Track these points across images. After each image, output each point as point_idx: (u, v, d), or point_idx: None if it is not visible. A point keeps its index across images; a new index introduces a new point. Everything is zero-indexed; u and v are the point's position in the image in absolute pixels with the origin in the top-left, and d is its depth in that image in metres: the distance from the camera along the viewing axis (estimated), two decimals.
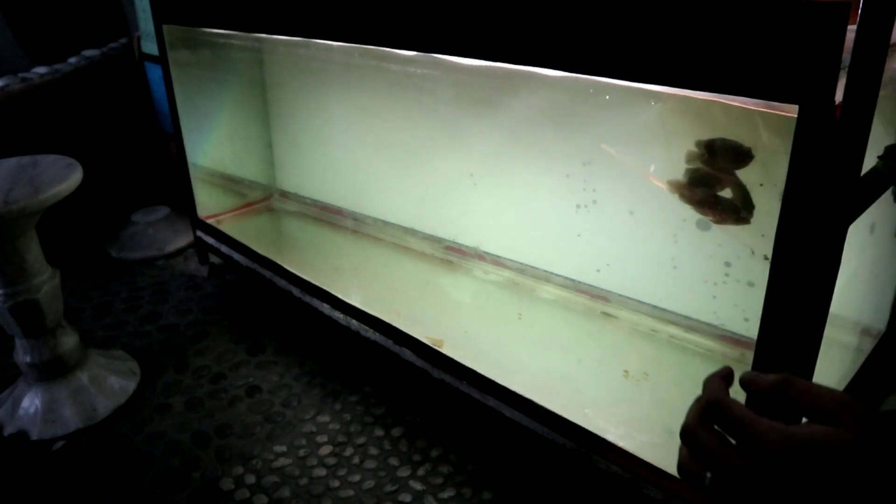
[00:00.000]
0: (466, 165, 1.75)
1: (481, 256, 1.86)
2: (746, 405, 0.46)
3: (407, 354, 1.51)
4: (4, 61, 2.63)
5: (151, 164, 2.75)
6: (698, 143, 1.23)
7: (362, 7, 1.29)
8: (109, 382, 1.70)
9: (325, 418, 1.60)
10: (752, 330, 1.25)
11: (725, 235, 1.36)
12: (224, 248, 2.08)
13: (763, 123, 1.13)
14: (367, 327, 1.61)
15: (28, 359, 1.59)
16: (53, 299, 1.57)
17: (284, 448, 1.52)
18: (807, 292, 0.86)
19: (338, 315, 1.68)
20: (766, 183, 1.20)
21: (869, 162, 0.91)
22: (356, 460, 1.48)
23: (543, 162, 1.60)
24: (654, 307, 1.56)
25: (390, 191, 2.01)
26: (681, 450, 0.47)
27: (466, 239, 1.88)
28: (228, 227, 2.17)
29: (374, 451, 1.50)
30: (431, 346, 1.47)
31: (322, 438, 1.54)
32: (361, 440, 1.53)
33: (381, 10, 1.25)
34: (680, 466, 0.47)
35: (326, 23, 1.39)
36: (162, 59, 2.04)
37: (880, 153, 0.98)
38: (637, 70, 0.93)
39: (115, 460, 1.51)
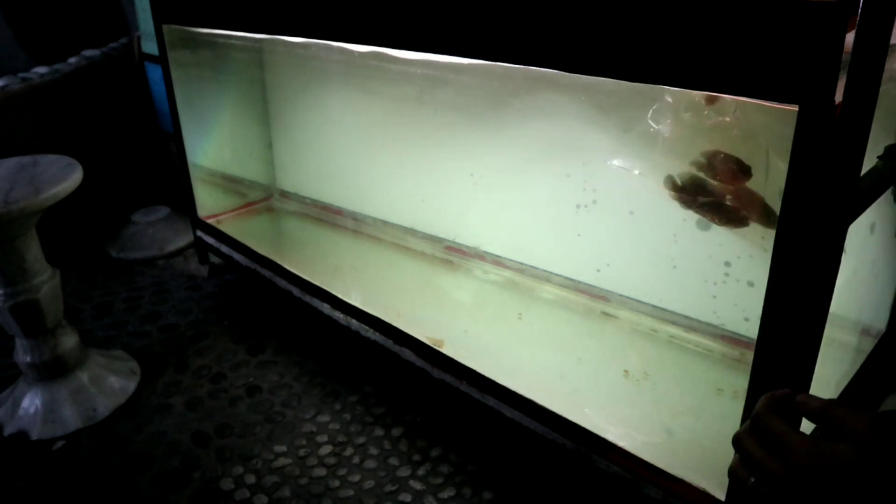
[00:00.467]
0: (466, 165, 1.75)
1: (481, 256, 1.86)
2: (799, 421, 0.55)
3: (407, 354, 1.51)
4: (4, 61, 2.63)
5: (151, 164, 2.75)
6: (704, 155, 1.23)
7: (362, 7, 1.29)
8: (109, 382, 1.70)
9: (325, 418, 1.60)
10: (752, 330, 1.25)
11: (725, 235, 1.36)
12: (224, 248, 2.08)
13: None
14: (367, 327, 1.61)
15: (28, 359, 1.59)
16: (53, 299, 1.57)
17: (284, 448, 1.52)
18: (807, 292, 0.86)
19: (338, 315, 1.68)
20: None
21: (869, 162, 0.91)
22: (356, 460, 1.48)
23: (543, 162, 1.60)
24: (654, 307, 1.56)
25: (390, 191, 2.01)
26: (734, 456, 0.56)
27: (466, 239, 1.88)
28: (228, 226, 2.17)
29: (374, 450, 1.50)
30: (431, 345, 1.48)
31: (322, 438, 1.54)
32: (361, 440, 1.53)
33: (382, 10, 1.25)
34: (730, 471, 0.56)
35: (326, 23, 1.39)
36: (162, 59, 2.04)
37: (880, 153, 0.98)
38: (637, 70, 0.93)
39: (115, 460, 1.52)
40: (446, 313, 1.72)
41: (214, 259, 2.26)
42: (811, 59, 0.75)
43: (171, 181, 2.61)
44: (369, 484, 1.41)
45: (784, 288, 0.86)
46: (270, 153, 2.36)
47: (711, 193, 1.25)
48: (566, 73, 1.02)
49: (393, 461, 1.47)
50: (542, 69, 1.04)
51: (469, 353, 1.43)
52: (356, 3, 1.30)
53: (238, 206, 2.35)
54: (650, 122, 1.32)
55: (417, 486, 1.40)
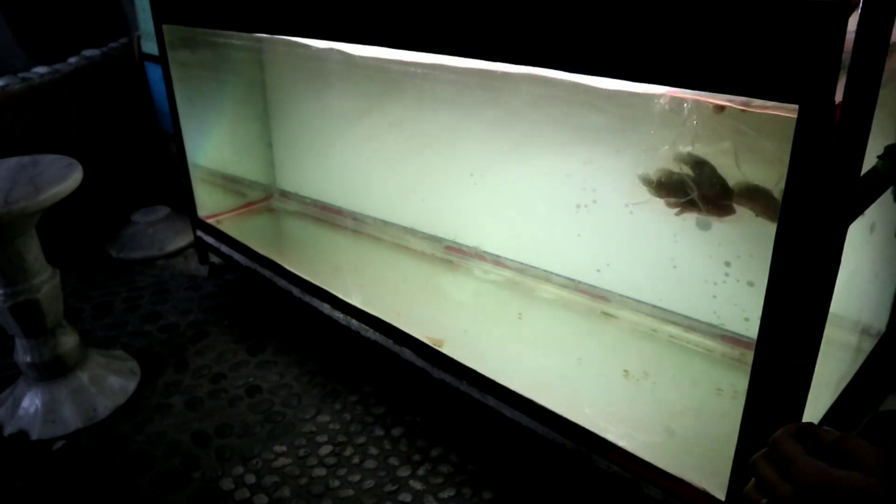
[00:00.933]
0: (466, 165, 1.75)
1: (481, 256, 1.86)
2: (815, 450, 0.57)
3: (407, 354, 1.51)
4: (4, 61, 2.63)
5: (151, 164, 2.75)
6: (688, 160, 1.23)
7: (363, 7, 1.29)
8: (109, 382, 1.70)
9: (325, 418, 1.60)
10: (752, 330, 1.25)
11: (725, 235, 1.36)
12: (224, 248, 2.08)
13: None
14: (367, 327, 1.61)
15: (28, 359, 1.59)
16: (53, 299, 1.57)
17: (284, 448, 1.52)
18: (807, 292, 0.86)
19: (338, 315, 1.68)
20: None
21: (869, 162, 0.91)
22: (356, 460, 1.48)
23: (543, 162, 1.60)
24: (654, 307, 1.56)
25: (390, 191, 2.01)
26: (749, 479, 0.59)
27: (466, 239, 1.88)
28: (228, 226, 2.17)
29: (374, 450, 1.50)
30: (431, 345, 1.48)
31: (322, 438, 1.54)
32: (361, 440, 1.53)
33: (382, 10, 1.25)
34: (744, 492, 0.59)
35: (326, 23, 1.39)
36: (162, 59, 2.04)
37: (880, 153, 0.98)
38: (637, 70, 0.93)
39: (115, 460, 1.52)
40: (446, 313, 1.72)
41: (214, 259, 2.26)
42: (811, 58, 0.75)
43: (171, 181, 2.61)
44: (369, 484, 1.41)
45: (784, 288, 0.86)
46: (270, 153, 2.36)
47: (690, 189, 1.25)
48: (565, 74, 1.02)
49: (393, 461, 1.47)
50: (543, 69, 1.04)
51: (469, 353, 1.43)
52: (356, 3, 1.30)
53: (238, 206, 2.35)
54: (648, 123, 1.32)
55: (417, 485, 1.40)
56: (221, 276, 2.27)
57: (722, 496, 1.06)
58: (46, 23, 2.83)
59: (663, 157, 1.34)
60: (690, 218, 1.36)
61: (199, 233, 2.21)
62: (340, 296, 1.69)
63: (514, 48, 1.06)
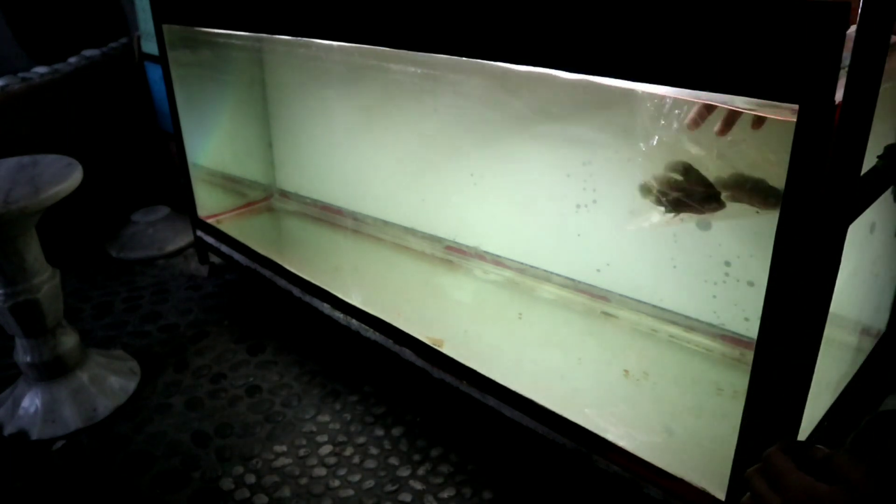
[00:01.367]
0: (466, 165, 1.75)
1: (481, 256, 1.86)
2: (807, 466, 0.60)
3: (407, 354, 1.51)
4: (4, 61, 2.63)
5: (151, 164, 2.75)
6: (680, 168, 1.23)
7: (363, 7, 1.29)
8: (109, 382, 1.70)
9: (325, 418, 1.60)
10: (752, 330, 1.25)
11: (725, 235, 1.36)
12: (224, 248, 2.08)
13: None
14: (367, 327, 1.61)
15: (28, 359, 1.59)
16: (53, 299, 1.57)
17: (284, 448, 1.52)
18: (807, 292, 0.86)
19: (338, 315, 1.68)
20: None
21: (869, 162, 0.91)
22: (356, 460, 1.48)
23: (543, 162, 1.60)
24: (654, 307, 1.56)
25: (390, 191, 2.01)
26: (746, 492, 0.63)
27: (466, 239, 1.88)
28: (228, 226, 2.17)
29: (374, 450, 1.50)
30: (431, 345, 1.48)
31: (322, 438, 1.54)
32: (361, 440, 1.53)
33: (381, 10, 1.25)
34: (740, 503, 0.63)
35: (326, 23, 1.39)
36: (162, 59, 2.04)
37: (880, 153, 0.98)
38: (637, 70, 0.93)
39: (115, 460, 1.52)
40: (446, 313, 1.72)
41: (214, 259, 2.26)
42: (811, 58, 0.75)
43: (171, 181, 2.61)
44: (369, 484, 1.41)
45: (784, 288, 0.86)
46: (270, 153, 2.36)
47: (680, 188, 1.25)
48: (565, 74, 1.02)
49: (393, 461, 1.47)
50: (543, 69, 1.04)
51: (469, 353, 1.43)
52: (356, 3, 1.30)
53: (238, 205, 2.35)
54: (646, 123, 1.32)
55: (417, 485, 1.40)
56: (221, 276, 2.27)
57: (722, 496, 1.06)
58: (46, 23, 2.83)
59: (663, 158, 1.34)
60: (691, 218, 1.36)
61: (199, 233, 2.22)
62: (340, 296, 1.69)
63: (514, 48, 1.06)
